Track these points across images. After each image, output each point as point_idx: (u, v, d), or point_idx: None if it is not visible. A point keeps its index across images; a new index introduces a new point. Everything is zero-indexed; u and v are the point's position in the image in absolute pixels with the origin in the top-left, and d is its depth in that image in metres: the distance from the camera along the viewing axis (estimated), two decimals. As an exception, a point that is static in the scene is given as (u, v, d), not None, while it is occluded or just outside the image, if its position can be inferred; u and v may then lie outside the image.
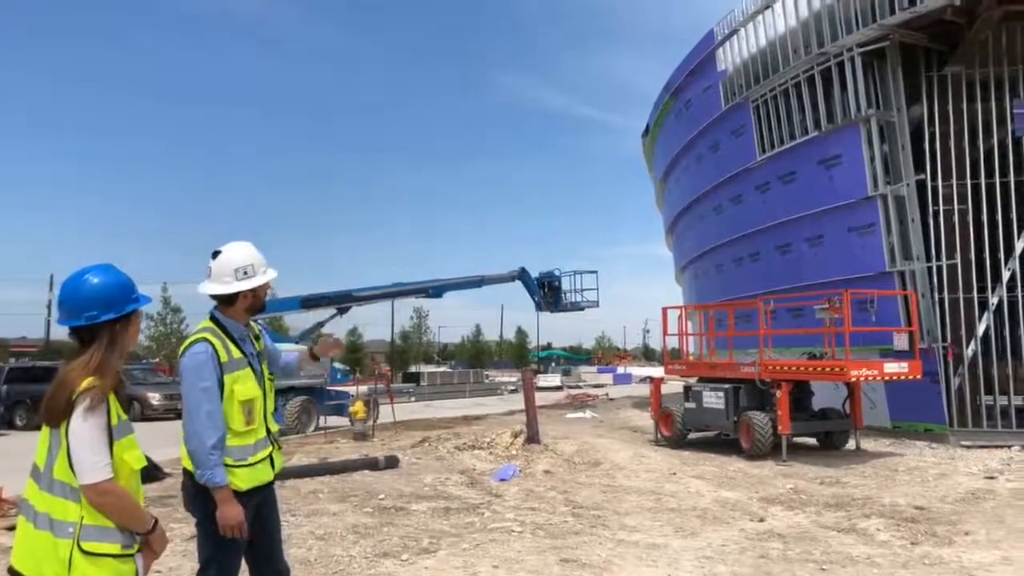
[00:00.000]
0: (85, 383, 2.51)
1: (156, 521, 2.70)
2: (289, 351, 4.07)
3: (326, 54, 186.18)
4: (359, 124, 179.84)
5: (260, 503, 3.59)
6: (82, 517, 2.49)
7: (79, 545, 2.47)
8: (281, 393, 16.90)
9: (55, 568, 2.46)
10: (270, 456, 3.57)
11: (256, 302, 3.62)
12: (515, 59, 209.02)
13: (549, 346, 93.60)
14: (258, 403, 3.52)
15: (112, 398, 2.56)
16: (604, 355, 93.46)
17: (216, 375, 3.38)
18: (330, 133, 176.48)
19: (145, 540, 2.65)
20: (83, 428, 2.48)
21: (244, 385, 3.45)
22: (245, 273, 3.55)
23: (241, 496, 3.43)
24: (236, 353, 3.49)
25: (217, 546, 3.45)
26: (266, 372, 3.66)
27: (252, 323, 3.77)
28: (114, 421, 2.54)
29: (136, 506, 2.61)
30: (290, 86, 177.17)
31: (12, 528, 2.98)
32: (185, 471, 3.51)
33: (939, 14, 14.19)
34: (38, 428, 2.67)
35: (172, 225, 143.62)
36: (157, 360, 47.22)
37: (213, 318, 3.57)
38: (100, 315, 2.64)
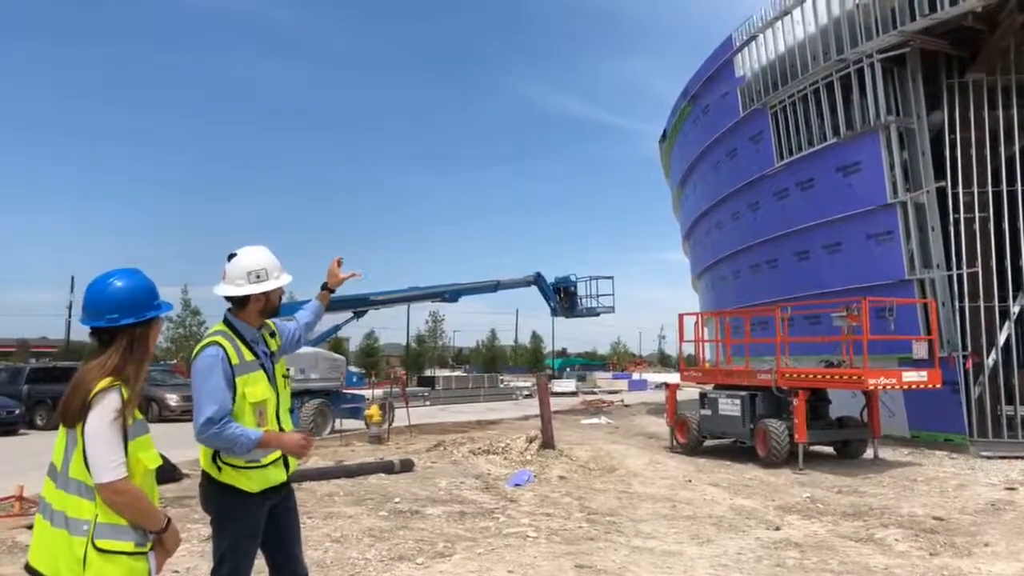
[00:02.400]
0: (102, 384, 2.54)
1: (169, 520, 2.73)
2: (301, 315, 4.05)
3: (341, 60, 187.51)
4: (373, 130, 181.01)
5: (277, 505, 3.60)
6: (96, 515, 2.52)
7: (93, 543, 2.50)
8: (297, 396, 16.97)
9: (71, 565, 2.49)
10: (283, 457, 3.56)
11: (268, 306, 3.62)
12: (528, 63, 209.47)
13: (564, 351, 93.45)
14: (270, 405, 3.52)
15: (127, 398, 2.58)
16: (619, 361, 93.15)
17: (227, 376, 3.38)
18: (346, 139, 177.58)
19: (158, 538, 2.68)
20: (99, 428, 2.51)
21: (255, 387, 3.46)
22: (258, 277, 3.56)
23: (253, 497, 3.44)
24: (248, 355, 3.50)
25: (230, 543, 3.49)
26: (280, 372, 3.66)
27: (269, 321, 3.78)
28: (129, 421, 2.58)
29: (150, 505, 2.64)
30: (309, 94, 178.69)
31: (32, 527, 3.03)
32: (203, 471, 3.54)
33: (960, 20, 14.09)
34: (58, 428, 2.71)
35: (192, 228, 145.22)
36: (175, 362, 47.61)
37: (226, 320, 3.60)
38: (121, 318, 2.67)
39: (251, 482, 3.43)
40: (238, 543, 3.47)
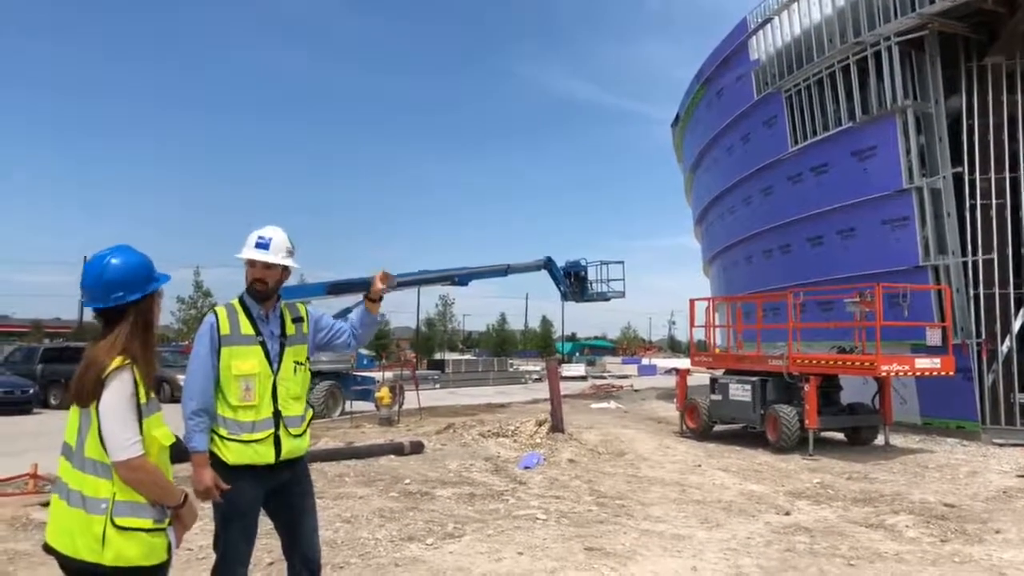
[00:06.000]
0: (114, 363, 2.55)
1: (186, 495, 2.76)
2: (353, 322, 3.96)
3: (353, 45, 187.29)
4: (385, 115, 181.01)
5: (285, 486, 3.61)
6: (114, 493, 2.54)
7: (112, 521, 2.52)
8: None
9: (89, 544, 2.51)
10: (275, 438, 3.52)
11: (249, 284, 3.63)
12: (539, 47, 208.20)
13: (574, 336, 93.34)
14: (259, 381, 3.51)
15: (139, 376, 2.59)
16: (629, 346, 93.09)
17: (212, 345, 3.49)
18: (357, 124, 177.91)
19: (176, 513, 2.71)
20: (114, 407, 2.52)
21: (242, 360, 3.49)
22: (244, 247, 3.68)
23: (231, 470, 3.45)
24: (246, 329, 3.55)
25: (221, 523, 3.54)
26: (292, 357, 3.64)
27: (300, 305, 3.82)
28: (142, 399, 2.59)
29: (166, 481, 2.66)
30: (314, 79, 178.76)
31: (47, 504, 3.07)
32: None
33: (979, 3, 13.90)
34: (70, 407, 2.71)
35: (204, 211, 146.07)
36: (187, 343, 47.86)
37: (240, 296, 3.68)
38: (127, 296, 2.68)
39: (229, 453, 3.46)
40: (228, 520, 3.52)
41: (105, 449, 2.52)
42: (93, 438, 2.54)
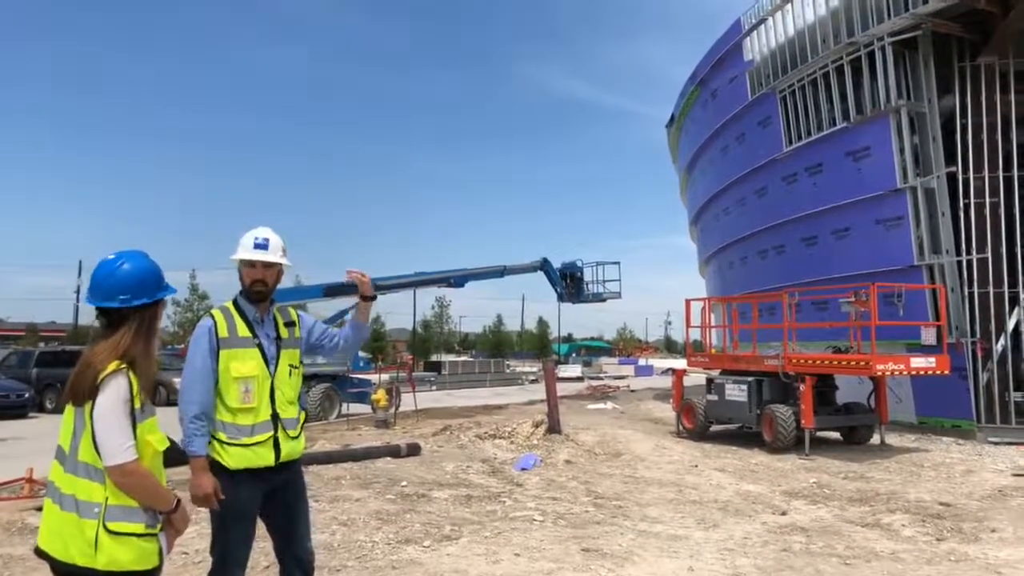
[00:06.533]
0: (111, 367, 2.55)
1: (178, 500, 2.76)
2: (345, 329, 4.03)
3: (351, 44, 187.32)
4: (385, 115, 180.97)
5: (279, 488, 3.61)
6: (107, 498, 2.54)
7: (105, 525, 2.52)
8: (304, 380, 17.04)
9: (82, 548, 2.51)
10: (274, 440, 3.54)
11: (249, 285, 3.64)
12: (539, 47, 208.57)
13: (570, 337, 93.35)
14: (258, 383, 3.52)
15: (135, 381, 2.60)
16: (625, 346, 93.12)
17: (211, 348, 3.48)
18: (357, 124, 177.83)
19: (168, 519, 2.71)
20: (108, 411, 2.52)
21: (241, 363, 3.50)
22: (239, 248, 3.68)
23: (239, 476, 3.46)
24: (243, 332, 3.55)
25: (219, 526, 3.53)
26: (287, 359, 3.66)
27: (291, 310, 3.83)
28: (137, 404, 2.59)
29: (159, 486, 2.67)
30: (314, 78, 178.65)
31: (42, 509, 3.07)
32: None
33: (972, 3, 13.93)
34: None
35: (201, 214, 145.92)
36: (182, 346, 47.73)
37: (234, 299, 3.68)
38: (133, 299, 2.70)
39: (229, 458, 3.46)
40: (226, 522, 3.51)
41: (98, 453, 2.52)
42: (87, 442, 2.54)
